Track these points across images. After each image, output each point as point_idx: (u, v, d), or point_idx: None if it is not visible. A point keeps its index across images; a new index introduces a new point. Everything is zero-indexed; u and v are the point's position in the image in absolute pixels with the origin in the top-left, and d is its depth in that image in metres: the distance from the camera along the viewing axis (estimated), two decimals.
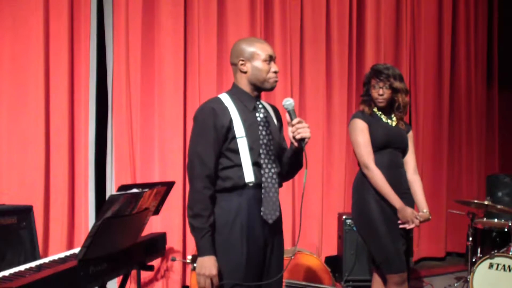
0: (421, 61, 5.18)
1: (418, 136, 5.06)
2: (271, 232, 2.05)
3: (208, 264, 1.93)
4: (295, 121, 1.94)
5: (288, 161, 2.12)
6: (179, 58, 3.95)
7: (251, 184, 1.99)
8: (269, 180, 2.02)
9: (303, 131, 1.93)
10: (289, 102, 1.98)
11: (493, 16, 5.79)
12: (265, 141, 2.03)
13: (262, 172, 2.01)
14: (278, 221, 2.08)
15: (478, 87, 5.60)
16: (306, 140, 1.94)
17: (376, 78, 2.76)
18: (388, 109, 2.83)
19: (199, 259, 1.95)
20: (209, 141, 1.98)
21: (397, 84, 2.75)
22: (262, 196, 2.00)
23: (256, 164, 2.01)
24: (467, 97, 5.50)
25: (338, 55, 4.67)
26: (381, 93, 2.75)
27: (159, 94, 3.93)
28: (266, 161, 2.02)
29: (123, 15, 3.77)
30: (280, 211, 2.07)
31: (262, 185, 2.01)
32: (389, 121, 2.82)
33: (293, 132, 1.94)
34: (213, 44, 4.09)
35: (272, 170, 2.03)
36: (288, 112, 1.98)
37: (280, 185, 2.12)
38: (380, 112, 2.82)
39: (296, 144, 1.97)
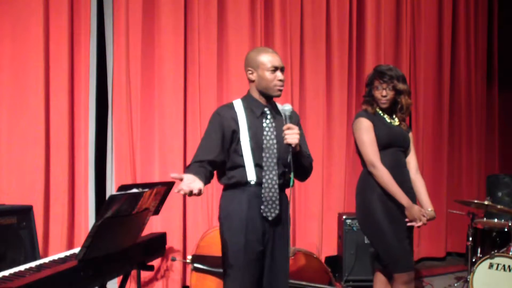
0: (421, 61, 5.18)
1: (418, 136, 5.06)
2: (273, 227, 2.25)
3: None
4: (284, 126, 2.14)
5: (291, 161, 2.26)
6: (179, 58, 3.95)
7: (252, 183, 2.21)
8: (269, 181, 2.20)
9: (289, 137, 2.13)
10: (287, 107, 2.19)
11: (493, 16, 5.78)
12: (268, 145, 2.22)
13: (263, 173, 2.20)
14: (282, 218, 2.26)
15: (478, 87, 5.60)
16: (292, 145, 2.13)
17: (379, 80, 2.76)
18: (390, 110, 2.84)
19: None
20: (210, 139, 2.24)
21: (400, 85, 2.75)
22: (262, 195, 2.21)
23: (258, 166, 2.22)
24: (467, 97, 5.50)
25: (338, 55, 4.66)
26: (384, 94, 2.75)
27: (159, 94, 3.93)
28: (267, 163, 2.21)
29: (123, 15, 3.77)
30: (280, 210, 2.24)
31: (262, 185, 2.21)
32: (391, 121, 2.82)
33: (283, 136, 2.14)
34: (213, 44, 4.09)
35: (274, 172, 2.21)
36: (284, 116, 2.18)
37: (290, 185, 2.25)
38: (382, 112, 2.82)
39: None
